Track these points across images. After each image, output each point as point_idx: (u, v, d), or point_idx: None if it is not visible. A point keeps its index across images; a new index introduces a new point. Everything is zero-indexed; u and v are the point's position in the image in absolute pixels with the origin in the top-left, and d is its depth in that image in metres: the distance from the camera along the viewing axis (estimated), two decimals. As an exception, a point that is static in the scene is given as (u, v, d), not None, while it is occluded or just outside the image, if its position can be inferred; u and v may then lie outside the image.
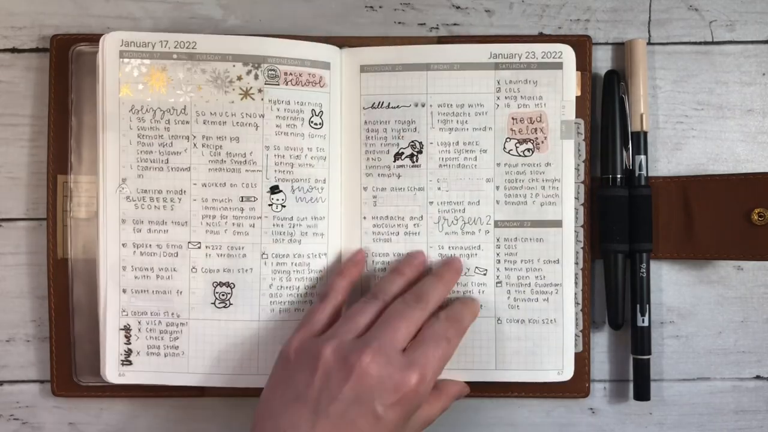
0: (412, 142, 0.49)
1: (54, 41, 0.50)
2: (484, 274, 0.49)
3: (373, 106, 0.49)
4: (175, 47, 0.48)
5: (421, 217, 0.49)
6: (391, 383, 0.41)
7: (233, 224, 0.48)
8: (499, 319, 0.49)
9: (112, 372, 0.48)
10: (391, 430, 0.41)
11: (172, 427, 0.51)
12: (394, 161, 0.49)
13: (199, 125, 0.48)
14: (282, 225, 0.48)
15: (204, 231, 0.48)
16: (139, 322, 0.48)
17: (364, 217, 0.49)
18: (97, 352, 0.49)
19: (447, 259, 0.49)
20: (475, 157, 0.49)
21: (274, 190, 0.48)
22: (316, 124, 0.49)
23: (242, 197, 0.48)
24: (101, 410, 0.52)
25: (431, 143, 0.49)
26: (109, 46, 0.48)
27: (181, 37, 0.48)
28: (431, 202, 0.49)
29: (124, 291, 0.48)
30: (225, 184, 0.48)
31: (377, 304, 0.45)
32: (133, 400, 0.51)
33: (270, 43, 0.48)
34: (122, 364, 0.48)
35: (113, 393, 0.50)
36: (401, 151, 0.49)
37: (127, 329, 0.48)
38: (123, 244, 0.48)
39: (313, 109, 0.49)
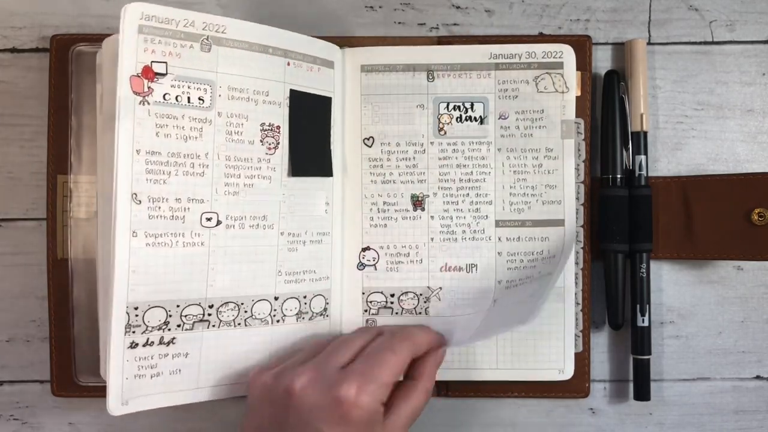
0: (413, 142, 0.50)
1: (54, 41, 0.50)
2: (485, 273, 0.49)
3: (373, 106, 0.50)
4: (203, 29, 0.44)
5: (421, 217, 0.49)
6: (328, 401, 0.38)
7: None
8: (499, 319, 0.49)
9: (116, 404, 0.43)
10: None
11: (172, 427, 0.51)
12: (396, 161, 0.50)
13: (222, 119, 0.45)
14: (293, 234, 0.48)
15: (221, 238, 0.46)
16: (148, 340, 0.44)
17: (366, 205, 0.50)
18: (96, 352, 0.49)
19: (418, 332, 0.45)
20: (476, 156, 0.49)
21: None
22: None
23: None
24: (101, 410, 0.51)
25: (431, 143, 0.49)
26: (130, 18, 0.42)
27: (210, 18, 0.44)
28: (432, 203, 0.49)
29: (136, 308, 0.43)
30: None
31: (333, 338, 0.45)
32: (133, 400, 0.51)
33: (294, 39, 0.47)
34: (126, 391, 0.44)
35: (113, 393, 0.50)
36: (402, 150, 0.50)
37: (133, 346, 0.44)
38: (132, 269, 0.43)
39: None
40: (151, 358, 0.44)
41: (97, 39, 0.49)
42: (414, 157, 0.50)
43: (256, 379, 0.42)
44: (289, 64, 0.47)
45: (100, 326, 0.47)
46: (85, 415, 0.52)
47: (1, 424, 0.51)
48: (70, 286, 0.50)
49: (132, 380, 0.43)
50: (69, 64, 0.50)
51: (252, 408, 0.42)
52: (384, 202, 0.50)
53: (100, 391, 0.50)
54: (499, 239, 0.49)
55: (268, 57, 0.46)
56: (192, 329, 0.45)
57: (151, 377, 0.44)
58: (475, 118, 0.49)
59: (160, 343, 0.44)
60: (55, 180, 0.50)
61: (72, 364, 0.50)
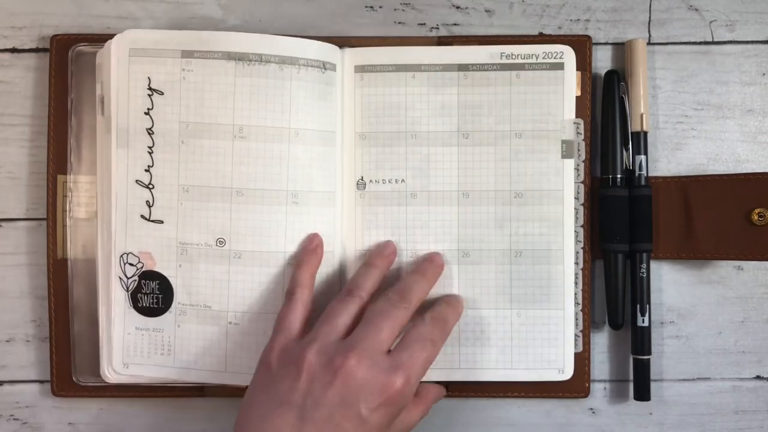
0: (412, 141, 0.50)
1: (54, 41, 0.50)
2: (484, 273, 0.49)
3: (372, 106, 0.50)
4: (180, 45, 0.47)
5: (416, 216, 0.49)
6: (376, 386, 0.40)
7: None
8: (499, 319, 0.49)
9: (118, 367, 0.48)
10: None
11: (172, 427, 0.52)
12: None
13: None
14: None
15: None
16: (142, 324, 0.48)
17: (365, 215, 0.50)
18: (96, 352, 0.49)
19: (428, 255, 0.49)
20: (475, 157, 0.49)
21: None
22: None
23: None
24: (101, 410, 0.52)
25: (431, 141, 0.49)
26: (118, 46, 0.47)
27: (185, 35, 0.47)
28: (429, 202, 0.49)
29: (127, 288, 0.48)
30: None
31: (355, 303, 0.45)
32: (133, 400, 0.51)
33: (273, 41, 0.48)
34: (125, 362, 0.48)
35: (113, 393, 0.50)
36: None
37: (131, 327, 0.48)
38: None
39: None
40: (147, 330, 0.48)
41: (97, 39, 0.49)
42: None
43: (285, 351, 0.43)
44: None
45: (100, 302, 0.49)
46: (85, 415, 0.52)
47: (1, 424, 0.51)
48: (70, 286, 0.50)
49: (131, 345, 0.48)
50: (69, 64, 0.50)
51: (269, 382, 0.42)
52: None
53: (100, 391, 0.50)
54: (498, 238, 0.49)
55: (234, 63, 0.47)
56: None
57: (149, 349, 0.48)
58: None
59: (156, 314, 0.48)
60: (55, 180, 0.50)
61: (72, 364, 0.50)
